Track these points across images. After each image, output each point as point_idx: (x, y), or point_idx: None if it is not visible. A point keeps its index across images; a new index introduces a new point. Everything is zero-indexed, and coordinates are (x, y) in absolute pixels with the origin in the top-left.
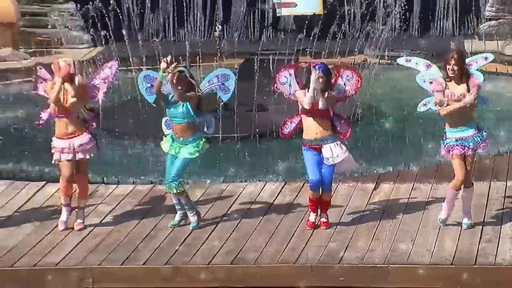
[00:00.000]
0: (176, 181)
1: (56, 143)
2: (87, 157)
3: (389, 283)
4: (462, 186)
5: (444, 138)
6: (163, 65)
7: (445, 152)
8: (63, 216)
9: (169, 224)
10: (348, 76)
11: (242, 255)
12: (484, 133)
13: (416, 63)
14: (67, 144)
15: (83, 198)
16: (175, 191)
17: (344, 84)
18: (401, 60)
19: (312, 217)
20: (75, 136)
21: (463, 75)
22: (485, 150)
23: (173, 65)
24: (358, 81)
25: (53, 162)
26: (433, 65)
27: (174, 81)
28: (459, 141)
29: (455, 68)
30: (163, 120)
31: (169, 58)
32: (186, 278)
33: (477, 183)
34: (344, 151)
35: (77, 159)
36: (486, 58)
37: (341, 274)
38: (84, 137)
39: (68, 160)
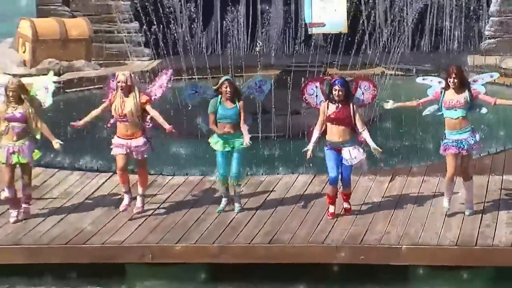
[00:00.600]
0: (239, 175)
1: (115, 140)
2: (140, 157)
3: (402, 260)
4: (462, 180)
5: (443, 138)
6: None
7: (442, 150)
8: (125, 201)
9: (216, 209)
10: (365, 86)
11: (278, 236)
12: (477, 136)
13: (431, 80)
14: (124, 142)
15: (143, 187)
16: (239, 183)
17: (362, 93)
18: (419, 79)
19: (331, 208)
20: (132, 138)
21: (462, 86)
22: (478, 151)
23: (221, 81)
24: (374, 90)
25: (111, 154)
26: (443, 81)
27: (225, 88)
28: (455, 142)
29: (455, 81)
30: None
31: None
32: (231, 256)
33: (477, 177)
34: (362, 153)
35: (132, 157)
36: (491, 76)
37: (362, 253)
38: (140, 140)
39: (121, 154)
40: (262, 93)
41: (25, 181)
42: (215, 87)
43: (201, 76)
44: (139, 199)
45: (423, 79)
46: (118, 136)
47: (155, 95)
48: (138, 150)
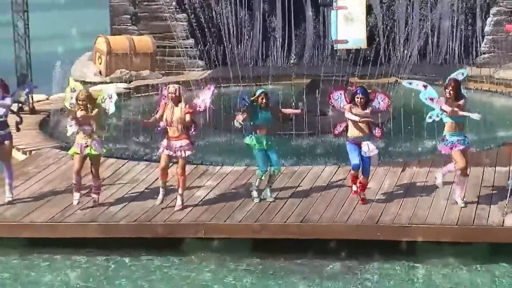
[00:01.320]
0: (279, 165)
1: (164, 142)
2: (183, 156)
3: (412, 237)
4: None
5: (444, 140)
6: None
7: (446, 149)
8: (160, 195)
9: (254, 200)
10: (381, 97)
11: (308, 217)
12: (468, 138)
13: (417, 85)
14: (170, 144)
15: (182, 188)
16: (279, 172)
17: (379, 103)
18: (405, 83)
19: (354, 187)
20: (177, 139)
21: (458, 97)
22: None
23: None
24: (388, 101)
25: (157, 154)
26: (428, 85)
27: (261, 99)
28: (458, 141)
29: (451, 92)
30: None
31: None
32: (269, 232)
33: (474, 169)
34: (376, 148)
35: (176, 156)
36: (462, 74)
37: (378, 231)
38: (184, 142)
39: (166, 155)
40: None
41: (94, 173)
42: (252, 98)
43: (245, 84)
44: (179, 198)
45: (409, 83)
46: (166, 139)
47: (199, 108)
48: (182, 149)
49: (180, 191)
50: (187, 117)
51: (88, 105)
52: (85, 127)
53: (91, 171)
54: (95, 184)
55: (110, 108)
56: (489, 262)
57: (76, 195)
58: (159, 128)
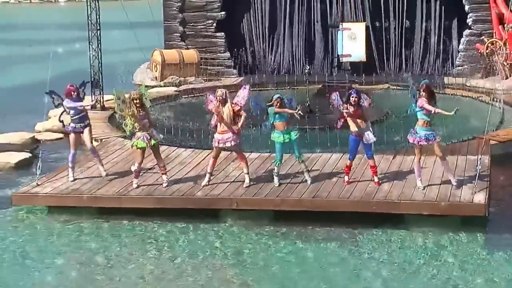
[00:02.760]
0: (301, 154)
1: (216, 136)
2: (232, 145)
3: (401, 210)
4: (440, 160)
5: (414, 132)
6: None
7: (413, 140)
8: (206, 179)
9: (275, 184)
10: (364, 97)
11: (319, 193)
12: (435, 134)
13: (412, 83)
14: (220, 137)
15: (245, 167)
16: (302, 160)
17: (363, 101)
18: (407, 76)
19: (346, 178)
20: (225, 133)
21: (430, 100)
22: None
23: (274, 98)
24: (370, 100)
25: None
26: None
27: (277, 103)
28: (424, 136)
29: (425, 95)
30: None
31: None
32: (288, 206)
33: (450, 157)
34: (374, 136)
35: (226, 146)
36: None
37: (374, 205)
38: (230, 134)
39: (218, 147)
40: (258, 108)
41: (158, 157)
42: (269, 103)
43: (269, 88)
44: (246, 177)
45: (409, 77)
46: (217, 133)
47: (241, 104)
48: (230, 140)
49: (245, 170)
50: (243, 115)
51: (141, 103)
52: (143, 121)
53: (155, 156)
54: (160, 164)
55: (146, 103)
56: (460, 231)
57: (135, 180)
58: (212, 126)
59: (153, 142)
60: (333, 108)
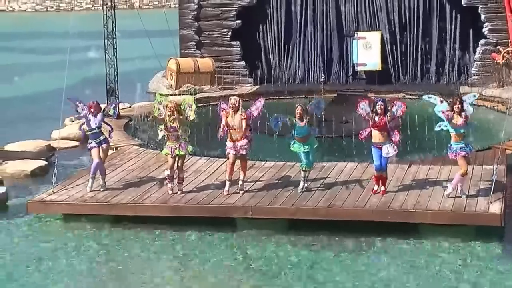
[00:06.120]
0: (311, 164)
1: (227, 144)
2: (244, 152)
3: (415, 220)
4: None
5: (450, 148)
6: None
7: (452, 155)
8: (226, 187)
9: (298, 190)
10: (399, 105)
11: (334, 202)
12: (470, 146)
13: (435, 99)
14: (233, 145)
15: (244, 173)
16: (311, 168)
17: (396, 110)
18: (425, 97)
19: (376, 187)
20: (238, 141)
21: (461, 112)
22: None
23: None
24: (405, 108)
25: (225, 155)
26: (444, 101)
27: (297, 111)
28: (461, 149)
29: (459, 107)
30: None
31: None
32: (303, 214)
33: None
34: (394, 150)
35: (239, 153)
36: (474, 96)
37: (389, 214)
38: (243, 141)
39: (233, 154)
40: (319, 110)
41: (180, 168)
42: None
43: (283, 97)
44: (241, 182)
45: (429, 97)
46: (229, 141)
47: (254, 115)
48: (242, 147)
49: (242, 177)
50: (244, 123)
51: (175, 113)
52: (173, 132)
53: (177, 165)
54: (179, 175)
55: (191, 115)
56: (475, 240)
57: (170, 185)
58: (222, 134)
59: (177, 152)
60: (362, 118)
